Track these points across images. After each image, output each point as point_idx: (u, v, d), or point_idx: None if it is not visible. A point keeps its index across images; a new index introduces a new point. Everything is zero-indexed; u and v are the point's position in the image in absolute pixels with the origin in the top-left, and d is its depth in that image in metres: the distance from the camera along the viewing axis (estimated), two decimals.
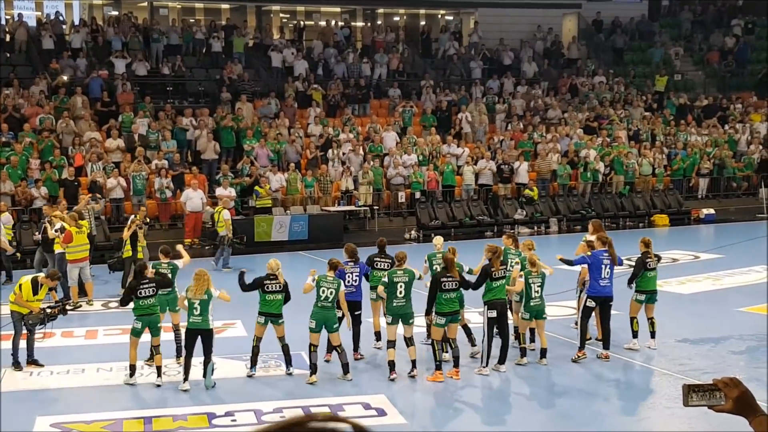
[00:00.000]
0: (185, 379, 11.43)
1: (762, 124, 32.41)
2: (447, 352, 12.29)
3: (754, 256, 20.52)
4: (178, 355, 12.41)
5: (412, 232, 24.84)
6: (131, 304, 11.78)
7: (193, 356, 11.42)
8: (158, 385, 11.56)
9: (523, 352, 12.42)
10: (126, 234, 17.14)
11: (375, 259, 13.13)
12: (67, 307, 12.84)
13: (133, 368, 11.67)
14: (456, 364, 11.93)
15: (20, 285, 12.41)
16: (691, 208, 28.22)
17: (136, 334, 11.67)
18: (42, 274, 12.64)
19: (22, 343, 12.36)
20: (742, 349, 13.34)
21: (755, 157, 30.66)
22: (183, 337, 11.76)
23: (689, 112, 33.06)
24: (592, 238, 13.39)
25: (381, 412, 10.61)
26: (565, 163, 27.91)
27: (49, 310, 12.29)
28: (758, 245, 22.49)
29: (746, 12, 39.95)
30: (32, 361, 12.40)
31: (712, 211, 27.82)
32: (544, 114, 31.50)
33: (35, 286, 12.25)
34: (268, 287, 11.77)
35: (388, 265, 12.73)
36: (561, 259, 13.24)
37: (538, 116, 31.06)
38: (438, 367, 11.83)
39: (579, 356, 12.54)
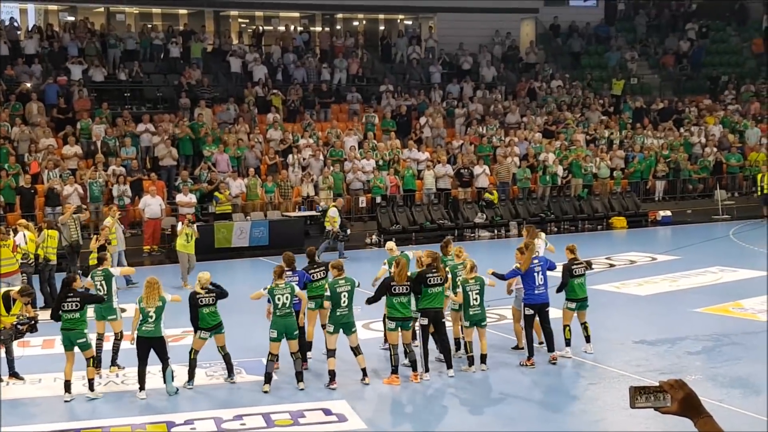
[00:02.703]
0: (141, 389, 11.35)
1: (716, 127, 32.91)
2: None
3: (710, 257, 20.85)
4: (112, 364, 12.43)
5: (373, 236, 24.87)
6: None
7: (147, 364, 11.34)
8: (90, 399, 11.36)
9: (470, 361, 12.37)
10: (93, 245, 16.89)
11: (310, 271, 12.83)
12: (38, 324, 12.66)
13: (67, 384, 11.40)
14: (414, 368, 11.95)
15: None
16: (648, 210, 28.56)
17: (66, 348, 11.45)
18: (15, 289, 12.46)
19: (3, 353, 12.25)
20: (699, 349, 13.51)
21: (710, 159, 31.12)
22: (135, 345, 11.51)
23: (645, 115, 33.49)
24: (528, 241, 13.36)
25: (342, 418, 10.60)
26: (525, 167, 28.14)
27: (20, 327, 12.16)
28: (714, 246, 22.86)
29: (700, 16, 40.59)
30: (13, 374, 12.25)
31: (668, 213, 28.20)
32: (502, 118, 31.72)
33: (6, 301, 12.08)
34: (202, 301, 11.66)
35: (323, 273, 12.72)
36: (492, 274, 12.92)
37: (497, 120, 31.26)
38: (394, 371, 11.86)
39: (527, 364, 12.55)
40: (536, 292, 12.51)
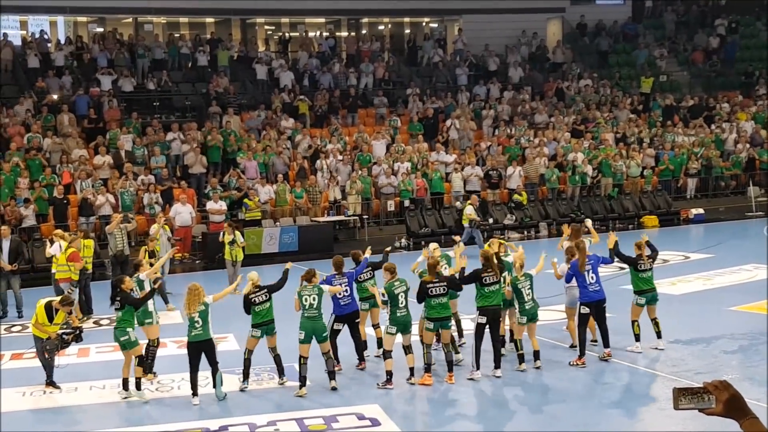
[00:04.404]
0: (194, 394, 11.42)
1: (748, 123, 32.54)
2: (458, 352, 12.59)
3: (743, 255, 20.56)
4: (146, 371, 12.36)
5: (402, 240, 24.83)
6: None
7: (198, 370, 11.41)
8: (124, 398, 11.63)
9: (521, 359, 12.42)
10: (142, 254, 17.10)
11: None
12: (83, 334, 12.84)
13: (125, 382, 11.76)
14: (450, 369, 11.95)
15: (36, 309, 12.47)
16: (680, 208, 28.28)
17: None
18: (56, 299, 12.62)
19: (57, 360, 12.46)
20: (735, 348, 13.36)
21: (743, 156, 30.77)
22: (186, 351, 11.62)
23: (675, 112, 33.19)
24: (570, 243, 13.44)
25: (375, 422, 10.58)
26: (553, 167, 28.00)
27: (65, 336, 12.34)
28: (747, 243, 22.57)
29: (729, 11, 40.17)
30: (50, 383, 12.39)
31: (701, 211, 27.88)
32: (530, 118, 31.58)
33: (49, 311, 12.25)
34: (255, 300, 11.78)
35: (370, 274, 12.87)
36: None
37: (525, 121, 31.13)
38: (427, 370, 11.88)
39: (578, 363, 12.53)
40: (590, 289, 12.54)
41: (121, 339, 11.63)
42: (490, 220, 24.38)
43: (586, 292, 12.54)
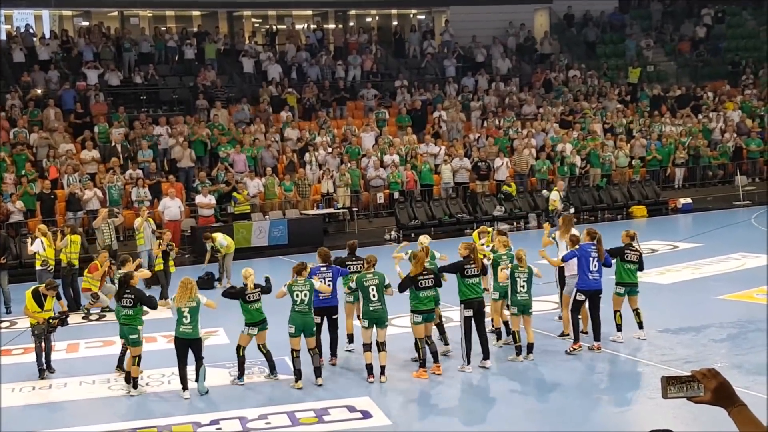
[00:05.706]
0: (184, 389, 11.42)
1: (735, 112, 32.64)
2: (447, 344, 12.78)
3: (732, 244, 20.65)
4: (119, 366, 12.48)
5: (392, 232, 24.83)
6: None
7: (187, 364, 11.44)
8: (132, 396, 11.60)
9: (519, 350, 12.44)
10: (156, 250, 17.21)
11: (347, 262, 13.03)
12: (68, 319, 12.93)
13: (127, 376, 11.86)
14: (435, 360, 11.96)
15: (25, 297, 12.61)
16: (668, 198, 28.36)
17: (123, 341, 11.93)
18: (42, 285, 12.72)
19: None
20: (723, 336, 13.41)
21: (730, 145, 30.87)
22: (174, 346, 11.63)
23: (663, 102, 33.26)
24: (561, 233, 13.55)
25: (366, 415, 10.59)
26: (544, 158, 28.02)
27: (51, 321, 12.44)
28: (735, 232, 22.67)
29: (716, 1, 40.25)
30: (43, 370, 12.53)
31: (689, 200, 27.97)
32: (519, 110, 31.60)
33: (37, 297, 12.39)
34: (249, 297, 11.76)
35: (360, 267, 12.70)
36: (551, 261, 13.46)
37: (513, 112, 31.15)
38: (422, 365, 11.87)
39: (574, 349, 12.59)
40: (590, 277, 12.58)
41: (131, 337, 11.69)
42: (572, 210, 24.16)
43: (586, 279, 12.58)
